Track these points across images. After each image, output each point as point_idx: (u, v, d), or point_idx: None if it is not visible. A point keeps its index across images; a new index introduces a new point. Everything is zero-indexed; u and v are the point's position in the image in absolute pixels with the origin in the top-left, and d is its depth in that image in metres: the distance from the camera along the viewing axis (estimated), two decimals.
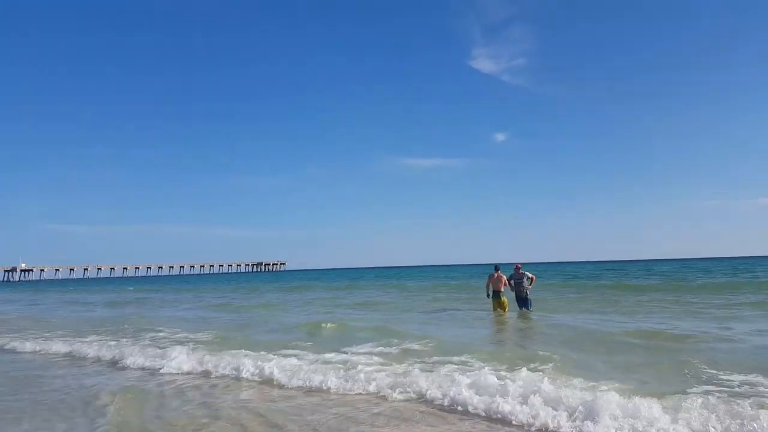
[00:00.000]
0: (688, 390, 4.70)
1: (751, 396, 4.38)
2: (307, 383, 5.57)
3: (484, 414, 4.25)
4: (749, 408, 3.84)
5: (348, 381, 5.41)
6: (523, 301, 12.43)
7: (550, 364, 5.92)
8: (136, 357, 7.49)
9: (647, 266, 57.78)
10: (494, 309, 12.32)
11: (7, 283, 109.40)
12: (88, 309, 20.98)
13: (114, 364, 7.48)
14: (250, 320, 13.29)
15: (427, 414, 4.45)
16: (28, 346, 9.47)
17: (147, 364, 7.04)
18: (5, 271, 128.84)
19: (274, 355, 7.11)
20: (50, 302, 27.09)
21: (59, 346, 9.16)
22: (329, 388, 5.36)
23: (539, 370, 5.60)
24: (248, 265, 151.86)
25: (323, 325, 10.60)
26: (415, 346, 7.60)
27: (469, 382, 4.95)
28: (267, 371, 6.10)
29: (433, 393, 4.78)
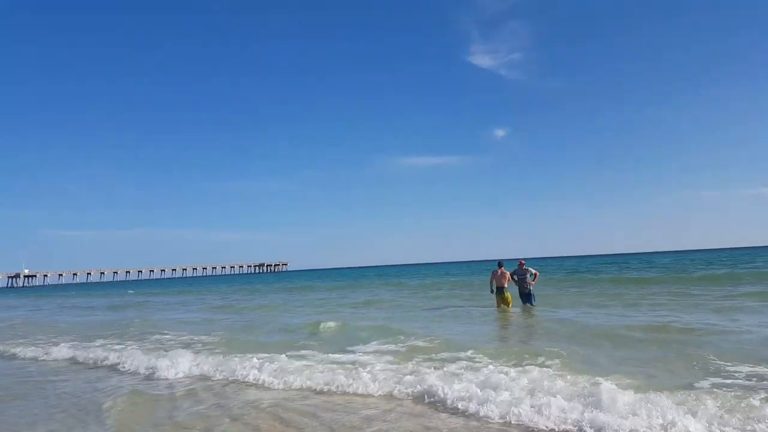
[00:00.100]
0: (698, 384, 4.74)
1: (760, 389, 4.39)
2: (318, 383, 5.60)
3: (498, 415, 4.24)
4: (759, 401, 3.87)
5: (358, 380, 5.44)
6: (526, 297, 12.47)
7: (558, 360, 5.95)
8: (143, 360, 7.52)
9: (647, 259, 57.86)
10: (498, 305, 12.36)
11: (10, 289, 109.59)
12: (91, 313, 21.01)
13: (121, 367, 7.51)
14: (253, 321, 13.33)
15: (437, 412, 4.49)
16: (32, 352, 9.48)
17: (155, 367, 7.06)
18: (9, 277, 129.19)
19: (282, 355, 7.15)
20: (53, 307, 27.12)
21: (66, 352, 9.19)
22: (340, 388, 5.39)
23: (547, 366, 5.63)
24: (250, 266, 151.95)
25: (327, 324, 10.63)
26: (422, 344, 7.63)
27: (480, 381, 4.98)
28: (276, 372, 6.13)
29: (444, 391, 4.80)
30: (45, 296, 44.80)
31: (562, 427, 3.84)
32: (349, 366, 6.22)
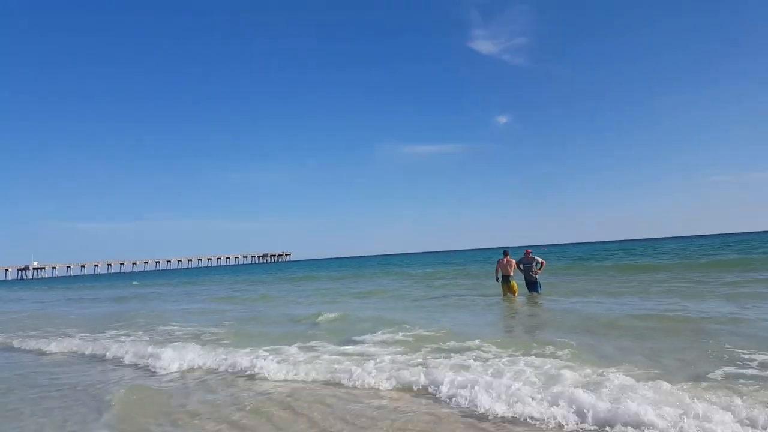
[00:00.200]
0: (714, 375, 4.66)
1: None
2: (327, 374, 5.59)
3: (506, 407, 4.18)
4: None
5: (367, 371, 5.41)
6: (532, 285, 12.43)
7: (567, 350, 5.89)
8: (153, 352, 7.52)
9: (653, 245, 57.55)
10: (504, 294, 12.31)
11: (20, 281, 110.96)
12: (99, 305, 21.19)
13: (131, 359, 7.53)
14: (259, 312, 13.36)
15: (446, 404, 4.45)
16: (40, 344, 9.53)
17: (164, 358, 7.06)
18: (18, 269, 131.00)
19: (290, 347, 7.15)
20: (61, 299, 27.40)
21: (76, 344, 9.23)
22: (349, 379, 5.36)
23: (557, 357, 5.58)
24: (254, 257, 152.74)
25: (334, 315, 10.63)
26: (429, 334, 7.60)
27: (489, 372, 4.93)
28: (285, 363, 6.13)
29: (453, 383, 4.75)
30: (53, 288, 45.30)
31: (581, 424, 3.75)
32: (358, 357, 6.21)
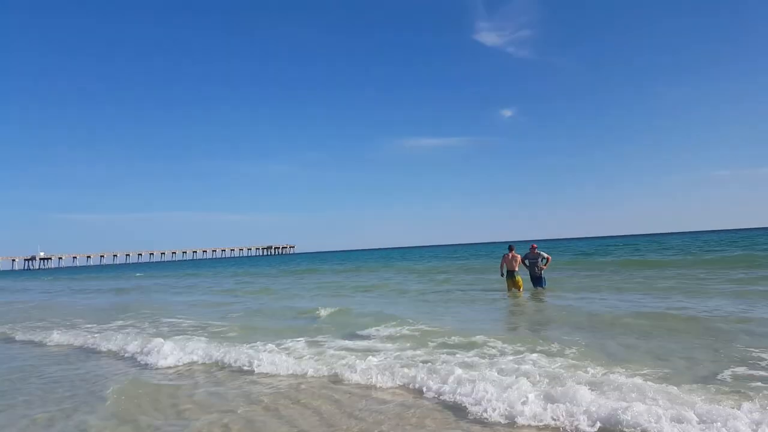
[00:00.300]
0: (723, 375, 4.61)
1: None
2: (333, 369, 5.57)
3: (508, 407, 4.13)
4: None
5: (373, 367, 5.39)
6: (537, 280, 12.39)
7: (573, 348, 5.86)
8: (158, 345, 7.54)
9: (658, 240, 57.26)
10: (509, 289, 12.27)
11: (27, 271, 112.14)
12: (103, 297, 21.35)
13: (136, 352, 7.56)
14: (263, 305, 13.40)
15: (451, 400, 4.43)
16: (56, 337, 9.59)
17: (169, 352, 7.08)
18: (25, 260, 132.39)
19: (296, 341, 7.15)
20: (66, 290, 27.63)
21: (81, 336, 9.28)
22: (355, 374, 5.35)
23: (563, 355, 5.55)
24: (258, 249, 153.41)
25: (338, 309, 10.63)
26: (433, 330, 7.58)
27: (494, 370, 4.89)
28: (291, 358, 6.13)
29: (458, 380, 4.73)
30: (59, 279, 45.73)
31: (588, 424, 3.72)
32: (363, 352, 6.20)
